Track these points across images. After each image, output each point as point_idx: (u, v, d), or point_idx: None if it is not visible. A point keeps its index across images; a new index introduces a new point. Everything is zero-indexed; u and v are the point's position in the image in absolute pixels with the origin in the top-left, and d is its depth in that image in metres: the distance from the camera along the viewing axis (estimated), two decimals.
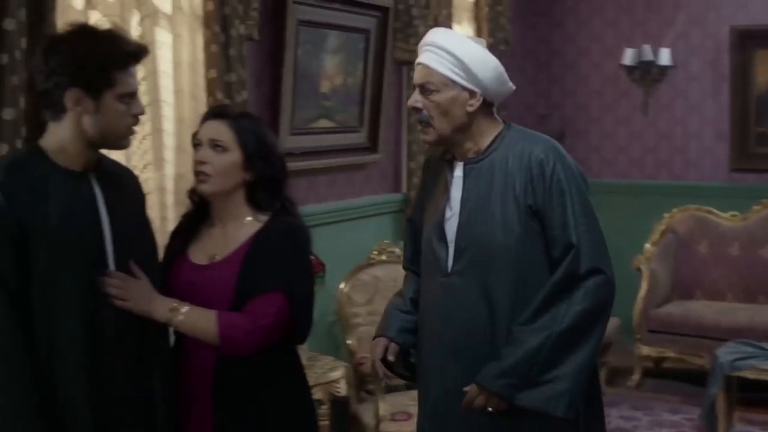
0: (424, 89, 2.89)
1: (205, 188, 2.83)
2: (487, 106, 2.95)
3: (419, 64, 2.92)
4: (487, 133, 2.96)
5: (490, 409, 2.85)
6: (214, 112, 2.94)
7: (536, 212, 2.85)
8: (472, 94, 2.88)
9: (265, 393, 2.83)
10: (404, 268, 3.27)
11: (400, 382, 3.43)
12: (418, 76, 2.92)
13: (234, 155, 2.82)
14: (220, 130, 2.83)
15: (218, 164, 2.81)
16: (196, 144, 2.87)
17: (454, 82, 2.86)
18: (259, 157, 2.84)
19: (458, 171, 2.97)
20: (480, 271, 2.88)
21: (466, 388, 2.87)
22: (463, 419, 2.92)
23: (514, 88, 3.05)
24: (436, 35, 2.94)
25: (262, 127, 2.95)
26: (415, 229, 3.16)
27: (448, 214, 2.96)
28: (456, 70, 2.86)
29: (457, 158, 2.99)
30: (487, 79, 2.89)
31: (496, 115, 3.01)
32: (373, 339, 3.17)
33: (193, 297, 2.78)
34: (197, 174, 2.84)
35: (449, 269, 2.93)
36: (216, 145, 2.82)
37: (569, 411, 2.80)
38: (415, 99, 2.91)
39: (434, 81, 2.87)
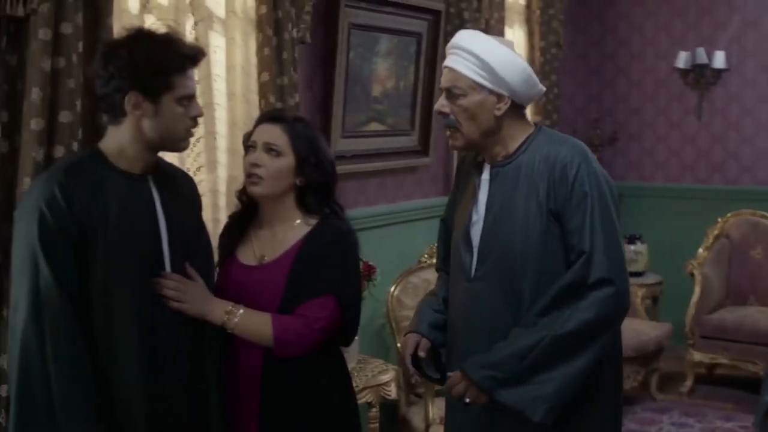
0: (451, 93, 2.83)
1: (257, 190, 2.85)
2: (516, 109, 2.88)
3: (446, 67, 2.87)
4: (517, 137, 2.89)
5: (467, 400, 2.79)
6: (270, 116, 2.96)
7: (557, 216, 2.79)
8: (500, 97, 2.82)
9: (311, 393, 2.85)
10: (437, 269, 3.24)
11: None
12: (444, 80, 2.86)
13: (287, 160, 2.84)
14: (275, 134, 2.86)
15: (271, 168, 2.83)
16: (250, 146, 2.89)
17: (480, 86, 2.80)
18: (311, 162, 2.87)
19: (485, 174, 2.92)
20: (503, 277, 2.82)
21: (450, 374, 2.83)
22: (486, 425, 2.88)
23: (544, 89, 2.97)
24: (461, 38, 2.87)
25: (315, 132, 2.97)
26: (448, 230, 3.13)
27: (474, 218, 2.91)
28: (482, 73, 2.79)
29: (486, 161, 2.94)
30: (515, 82, 2.81)
31: (527, 118, 2.95)
32: (405, 335, 3.15)
33: (241, 297, 2.81)
34: (249, 176, 2.86)
35: (472, 274, 2.89)
36: (270, 149, 2.84)
37: (547, 417, 2.73)
38: (442, 104, 2.86)
39: (460, 85, 2.82)
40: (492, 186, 2.89)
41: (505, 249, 2.82)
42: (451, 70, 2.84)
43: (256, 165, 2.84)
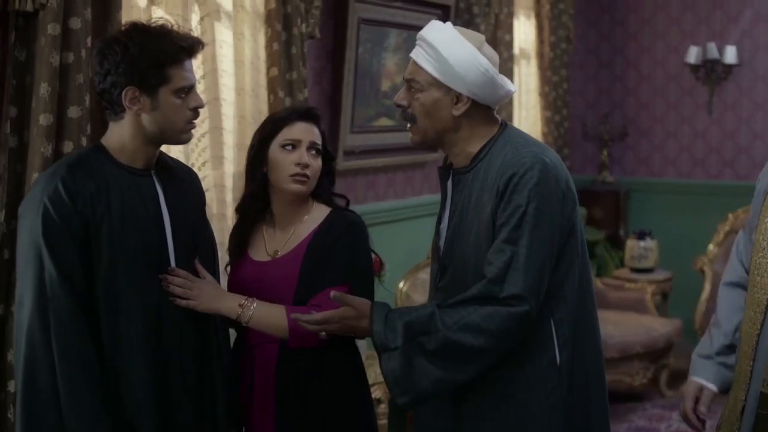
0: (410, 86, 2.69)
1: (304, 189, 2.88)
2: (480, 109, 2.68)
3: (410, 57, 2.72)
4: (479, 138, 2.69)
5: (324, 335, 2.69)
6: (308, 115, 2.94)
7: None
8: (459, 97, 2.63)
9: (326, 386, 2.86)
10: None
11: None
12: (406, 71, 2.72)
13: (320, 158, 2.90)
14: (317, 135, 2.90)
15: (315, 167, 2.88)
16: (290, 144, 2.87)
17: (439, 83, 2.62)
18: (330, 155, 2.97)
19: (450, 180, 2.79)
20: (458, 290, 2.64)
21: (346, 299, 2.64)
22: None
23: (514, 90, 2.75)
24: (428, 29, 2.70)
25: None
26: None
27: (442, 225, 2.80)
28: (441, 69, 2.62)
29: (453, 165, 2.79)
30: (475, 83, 2.61)
31: (494, 116, 2.74)
32: None
33: (256, 292, 2.82)
34: (296, 175, 2.84)
35: (437, 285, 2.78)
36: (314, 149, 2.87)
37: (408, 405, 2.60)
38: (401, 96, 2.71)
39: (419, 79, 2.65)
40: (454, 194, 2.76)
41: (459, 262, 2.68)
42: (413, 62, 2.69)
43: (305, 165, 2.85)
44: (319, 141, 2.89)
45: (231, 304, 2.76)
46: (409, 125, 2.74)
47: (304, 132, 2.88)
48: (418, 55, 2.68)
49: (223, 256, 3.10)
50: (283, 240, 2.90)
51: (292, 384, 2.83)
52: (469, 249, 2.64)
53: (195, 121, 2.67)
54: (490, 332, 2.52)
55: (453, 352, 2.55)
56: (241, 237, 2.97)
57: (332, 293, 2.65)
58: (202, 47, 2.68)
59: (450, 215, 2.75)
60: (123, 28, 2.62)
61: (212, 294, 2.73)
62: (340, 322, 2.64)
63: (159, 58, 2.52)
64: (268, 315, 2.78)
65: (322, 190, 2.94)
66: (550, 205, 2.57)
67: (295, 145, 2.87)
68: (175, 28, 2.63)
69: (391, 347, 2.57)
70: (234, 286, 2.89)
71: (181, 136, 2.68)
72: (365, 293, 2.87)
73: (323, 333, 2.71)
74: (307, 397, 2.84)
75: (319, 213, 2.91)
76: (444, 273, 2.74)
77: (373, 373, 4.39)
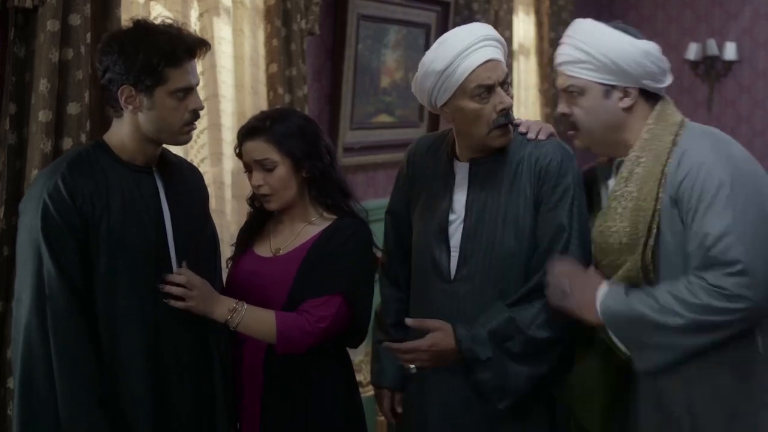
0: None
1: (273, 206, 2.87)
2: None
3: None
4: None
5: (412, 366, 2.74)
6: (247, 132, 2.90)
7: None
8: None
9: (314, 391, 2.86)
10: (382, 269, 3.07)
11: None
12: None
13: (283, 167, 2.83)
14: (261, 149, 2.83)
15: (273, 182, 2.83)
16: (247, 167, 2.89)
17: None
18: (308, 156, 2.84)
19: (462, 171, 2.85)
20: (491, 277, 2.75)
21: (426, 323, 2.74)
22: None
23: None
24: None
25: (297, 123, 2.91)
26: (399, 223, 3.04)
27: (451, 217, 2.83)
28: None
29: (459, 157, 2.86)
30: None
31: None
32: (374, 387, 3.11)
33: (252, 287, 2.83)
34: (260, 196, 2.87)
35: (452, 276, 2.81)
36: (263, 165, 2.83)
37: (509, 406, 2.73)
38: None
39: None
40: (472, 184, 2.82)
41: (491, 249, 2.75)
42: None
43: (257, 187, 2.85)
44: (263, 156, 2.82)
45: (222, 308, 2.73)
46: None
47: (248, 153, 2.86)
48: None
49: (224, 252, 3.10)
50: (286, 239, 2.90)
51: (278, 382, 2.84)
52: (505, 234, 2.75)
53: (195, 123, 2.65)
54: (562, 324, 2.69)
55: (535, 349, 2.71)
56: (247, 233, 2.99)
57: (408, 320, 2.77)
58: (207, 49, 2.64)
59: (468, 204, 2.81)
60: (126, 25, 2.61)
61: (206, 296, 2.71)
62: (428, 350, 2.71)
63: (155, 58, 2.49)
64: (257, 320, 2.75)
65: (317, 189, 2.89)
66: (583, 189, 2.82)
67: (248, 168, 2.88)
68: (179, 26, 2.60)
69: (482, 359, 2.70)
70: (231, 279, 2.90)
71: (179, 138, 2.65)
72: (365, 301, 2.88)
73: (412, 366, 2.75)
74: (295, 396, 2.84)
75: (326, 216, 2.90)
76: (465, 263, 2.78)
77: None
